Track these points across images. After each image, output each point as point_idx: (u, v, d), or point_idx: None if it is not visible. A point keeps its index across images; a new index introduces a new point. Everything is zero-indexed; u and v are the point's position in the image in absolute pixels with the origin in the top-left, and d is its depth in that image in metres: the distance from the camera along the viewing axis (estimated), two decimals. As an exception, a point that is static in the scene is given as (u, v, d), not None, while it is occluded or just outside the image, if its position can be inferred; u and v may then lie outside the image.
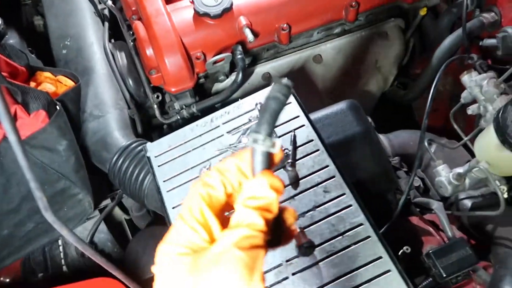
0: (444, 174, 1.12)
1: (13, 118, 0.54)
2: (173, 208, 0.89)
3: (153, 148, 0.98)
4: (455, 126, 1.21)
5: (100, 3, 1.40)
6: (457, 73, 1.25)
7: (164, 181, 0.93)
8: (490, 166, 1.02)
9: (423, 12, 1.39)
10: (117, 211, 1.37)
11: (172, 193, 0.91)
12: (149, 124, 1.36)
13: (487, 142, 1.01)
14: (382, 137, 1.31)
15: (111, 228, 1.28)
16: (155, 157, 0.97)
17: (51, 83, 1.17)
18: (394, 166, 1.23)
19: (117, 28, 1.36)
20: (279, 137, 0.93)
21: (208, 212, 0.42)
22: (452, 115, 1.23)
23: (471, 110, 1.18)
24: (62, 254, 1.12)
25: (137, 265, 1.10)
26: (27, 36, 1.49)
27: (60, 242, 1.17)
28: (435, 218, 1.13)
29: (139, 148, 1.07)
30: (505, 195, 1.05)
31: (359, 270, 0.77)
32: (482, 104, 1.15)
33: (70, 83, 1.18)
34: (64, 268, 1.11)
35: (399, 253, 0.97)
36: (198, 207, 0.42)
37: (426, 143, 1.21)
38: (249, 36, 1.15)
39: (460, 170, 1.10)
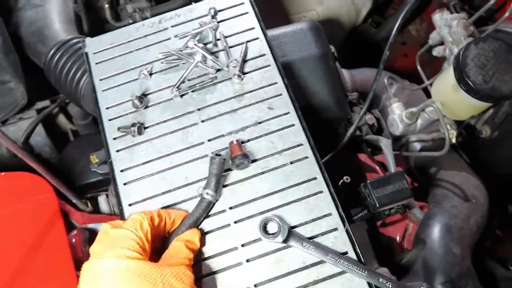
0: (397, 112, 1.10)
1: None
2: (107, 108, 0.83)
3: (93, 44, 0.90)
4: (419, 68, 1.17)
5: None
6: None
7: (100, 80, 0.86)
8: (444, 108, 1.00)
9: None
10: (62, 120, 1.30)
11: (107, 93, 0.84)
12: (101, 28, 1.25)
13: (445, 82, 0.99)
14: (344, 71, 1.27)
15: (52, 135, 1.21)
16: (94, 53, 0.89)
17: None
18: (351, 102, 1.20)
19: None
20: (230, 47, 0.86)
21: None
22: (418, 57, 1.19)
23: (436, 51, 1.14)
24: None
25: (71, 170, 1.05)
26: None
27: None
28: (385, 159, 1.13)
29: (80, 44, 0.97)
30: (453, 140, 1.05)
31: (291, 188, 0.75)
32: (449, 46, 1.11)
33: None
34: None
35: (339, 183, 0.96)
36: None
37: (385, 81, 1.17)
38: None
39: (413, 109, 1.08)
